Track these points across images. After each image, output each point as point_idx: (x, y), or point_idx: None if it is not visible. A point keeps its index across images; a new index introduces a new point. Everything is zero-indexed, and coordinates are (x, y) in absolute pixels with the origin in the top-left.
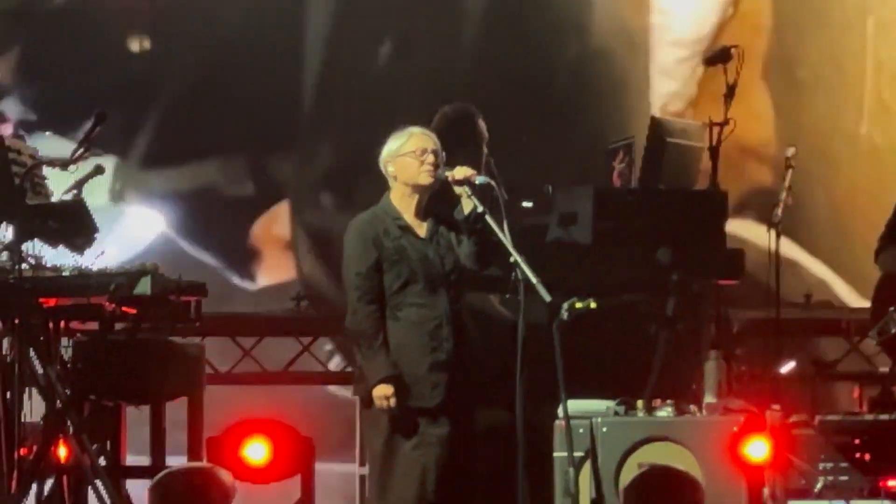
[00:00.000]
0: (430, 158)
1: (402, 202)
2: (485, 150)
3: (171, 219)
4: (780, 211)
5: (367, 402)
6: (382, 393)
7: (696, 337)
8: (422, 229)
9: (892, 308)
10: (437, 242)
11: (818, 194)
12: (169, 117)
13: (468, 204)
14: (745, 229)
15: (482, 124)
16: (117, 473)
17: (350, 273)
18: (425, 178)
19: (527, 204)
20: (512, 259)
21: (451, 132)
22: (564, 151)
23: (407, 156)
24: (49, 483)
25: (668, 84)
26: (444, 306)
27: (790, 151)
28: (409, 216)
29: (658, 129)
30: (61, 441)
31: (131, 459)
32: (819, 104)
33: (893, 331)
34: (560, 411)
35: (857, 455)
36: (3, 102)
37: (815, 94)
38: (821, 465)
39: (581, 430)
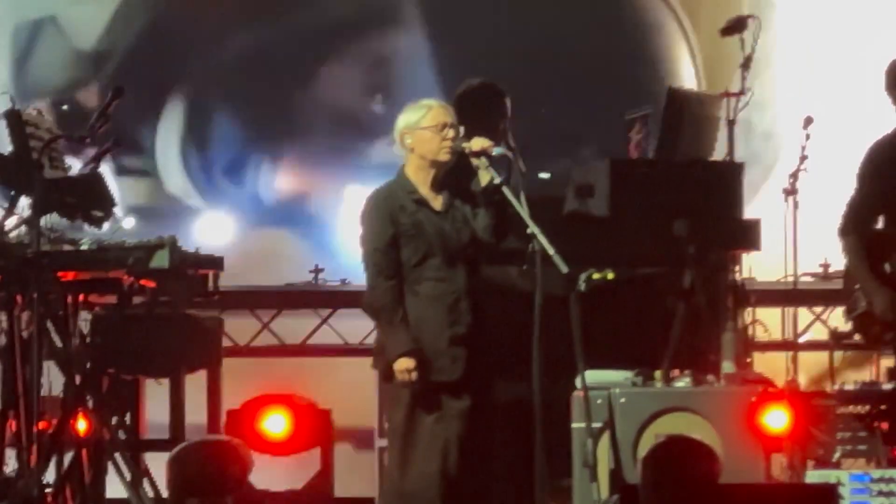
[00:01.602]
0: (450, 133)
1: (418, 175)
2: (504, 125)
3: None
4: (796, 179)
5: (388, 376)
6: (404, 366)
7: (714, 308)
8: (437, 202)
9: (856, 286)
10: (452, 216)
11: None
12: None
13: (485, 175)
14: None
15: (507, 102)
16: (136, 447)
17: (368, 249)
18: (444, 155)
19: (544, 175)
20: (529, 230)
21: (475, 105)
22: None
23: (427, 130)
24: (68, 456)
25: None
26: (463, 280)
27: (807, 119)
28: (424, 189)
29: (675, 99)
30: (81, 415)
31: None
32: None
33: (860, 309)
34: (578, 382)
35: (875, 424)
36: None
37: None
38: (839, 435)
39: (599, 401)
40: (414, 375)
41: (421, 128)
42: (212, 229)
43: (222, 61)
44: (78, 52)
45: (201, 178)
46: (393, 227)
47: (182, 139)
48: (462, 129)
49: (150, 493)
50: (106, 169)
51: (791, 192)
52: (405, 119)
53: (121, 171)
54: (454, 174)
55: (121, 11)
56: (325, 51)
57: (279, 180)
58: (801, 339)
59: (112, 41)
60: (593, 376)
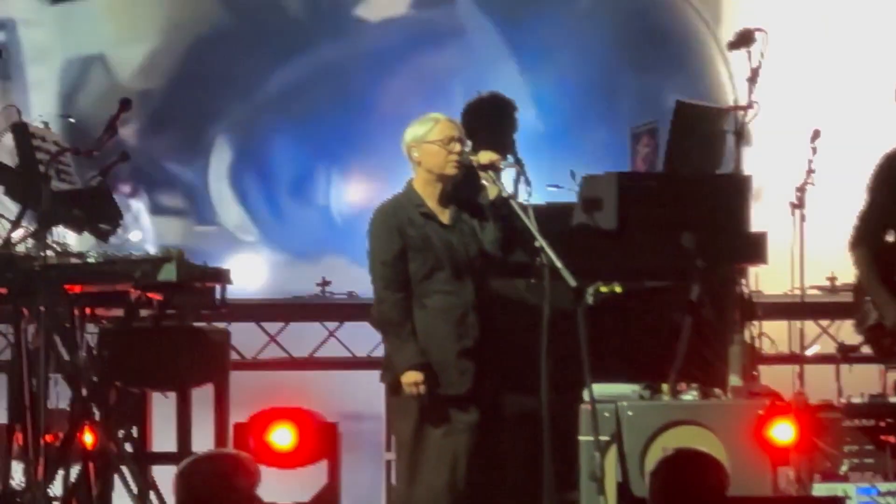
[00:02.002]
0: (457, 147)
1: (426, 189)
2: (513, 138)
3: None
4: (804, 192)
5: (396, 389)
6: (413, 380)
7: (721, 321)
8: (444, 216)
9: (866, 297)
10: (460, 229)
11: None
12: None
13: (493, 189)
14: None
15: (517, 115)
16: (143, 460)
17: (375, 262)
18: (451, 169)
19: (551, 189)
20: (537, 244)
21: (485, 117)
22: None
23: (434, 144)
24: (75, 470)
25: None
26: (470, 293)
27: (814, 133)
28: (432, 203)
29: (682, 112)
30: (88, 428)
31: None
32: None
33: (871, 321)
34: (586, 396)
35: (882, 437)
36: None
37: None
38: (846, 448)
39: (607, 415)
40: (422, 389)
41: (427, 141)
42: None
43: (267, 92)
44: (122, 90)
45: (263, 204)
46: (401, 240)
47: (231, 172)
48: (469, 143)
49: None
50: (141, 207)
51: (798, 205)
52: (412, 132)
53: (156, 209)
54: (462, 187)
55: (158, 52)
56: (378, 71)
57: (350, 192)
58: (808, 353)
59: (150, 80)
60: (601, 389)
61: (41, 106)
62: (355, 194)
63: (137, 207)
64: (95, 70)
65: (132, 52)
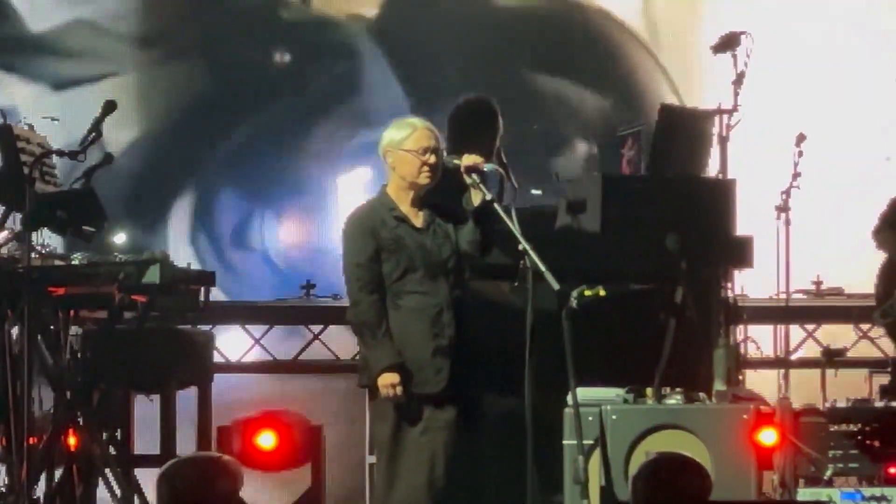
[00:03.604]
0: (431, 159)
1: (399, 194)
2: (497, 142)
3: None
4: (789, 196)
5: (372, 393)
6: (388, 381)
7: (706, 325)
8: (418, 219)
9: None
10: (433, 232)
11: None
12: None
13: (476, 192)
14: None
15: (500, 119)
16: (127, 462)
17: (350, 265)
18: (424, 178)
19: (536, 191)
20: (521, 247)
21: (470, 120)
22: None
23: (409, 153)
24: (59, 472)
25: None
26: (445, 293)
27: (800, 137)
28: (405, 207)
29: (667, 116)
30: (71, 430)
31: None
32: None
33: None
34: (569, 399)
35: (867, 442)
36: None
37: None
38: (830, 453)
39: (590, 418)
40: (398, 390)
41: (403, 149)
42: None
43: (227, 147)
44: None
45: (211, 254)
46: (374, 242)
47: (191, 223)
48: (446, 150)
49: None
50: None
51: (783, 209)
52: (389, 136)
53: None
54: (440, 190)
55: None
56: (314, 116)
57: (283, 233)
58: (793, 357)
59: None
60: (585, 393)
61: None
62: (288, 235)
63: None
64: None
65: (127, 135)
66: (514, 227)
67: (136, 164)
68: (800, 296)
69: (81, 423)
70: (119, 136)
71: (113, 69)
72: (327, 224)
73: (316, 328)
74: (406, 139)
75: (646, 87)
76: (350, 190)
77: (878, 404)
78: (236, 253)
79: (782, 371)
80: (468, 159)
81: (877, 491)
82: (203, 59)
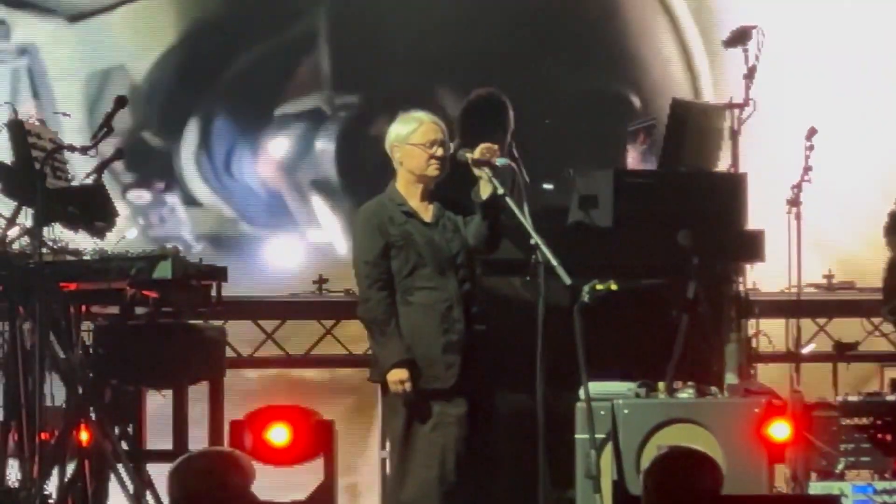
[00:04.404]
0: (439, 151)
1: (408, 189)
2: (508, 138)
3: None
4: (800, 190)
5: (384, 388)
6: (397, 377)
7: (717, 319)
8: (427, 214)
9: None
10: (442, 226)
11: None
12: None
13: (487, 186)
14: None
15: (511, 114)
16: (139, 458)
17: (359, 262)
18: (432, 171)
19: (547, 186)
20: (532, 241)
21: (481, 115)
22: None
23: (416, 146)
24: (71, 468)
25: None
26: (454, 288)
27: (811, 131)
28: (414, 202)
29: (679, 110)
30: (83, 426)
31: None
32: None
33: None
34: (581, 393)
35: (879, 436)
36: None
37: None
38: (842, 446)
39: (602, 413)
40: (407, 386)
41: (409, 143)
42: (280, 252)
43: (225, 79)
44: (141, 94)
45: (213, 179)
46: (382, 238)
47: (196, 151)
48: (456, 146)
49: None
50: (176, 200)
51: (795, 203)
52: (396, 131)
53: (188, 201)
54: (452, 184)
55: (165, 53)
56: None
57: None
58: (805, 351)
59: (157, 79)
60: (596, 387)
61: (68, 120)
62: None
63: (172, 202)
64: (115, 79)
65: (150, 59)
66: (526, 222)
67: (157, 85)
68: (811, 290)
69: (93, 418)
70: (146, 60)
71: None
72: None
73: (328, 323)
74: (412, 133)
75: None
76: None
77: (890, 398)
78: (229, 180)
79: (794, 365)
80: (480, 151)
81: (889, 484)
82: None
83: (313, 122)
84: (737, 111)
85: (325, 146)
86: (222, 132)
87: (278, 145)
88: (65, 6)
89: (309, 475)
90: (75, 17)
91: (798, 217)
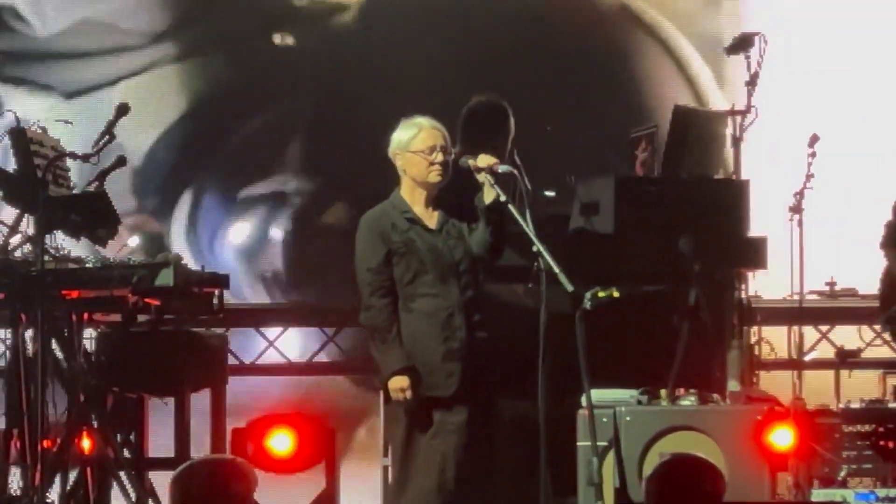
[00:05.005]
0: (440, 157)
1: (412, 195)
2: (510, 144)
3: None
4: (802, 197)
5: (386, 396)
6: (398, 385)
7: (719, 326)
8: (432, 220)
9: None
10: (446, 232)
11: None
12: None
13: (490, 193)
14: None
15: (512, 120)
16: (141, 465)
17: (362, 269)
18: (434, 177)
19: (549, 193)
20: (534, 248)
21: (481, 121)
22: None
23: (416, 154)
24: (73, 475)
25: None
26: (456, 296)
27: (813, 137)
28: (418, 208)
29: (681, 117)
30: (85, 433)
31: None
32: None
33: None
34: (583, 400)
35: (881, 443)
36: None
37: None
38: (844, 453)
39: (604, 420)
40: (408, 394)
41: (410, 151)
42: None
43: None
44: (131, 171)
45: (198, 253)
46: (385, 246)
47: (186, 228)
48: (458, 152)
49: None
50: None
51: (797, 210)
52: (396, 139)
53: None
54: (456, 190)
55: (161, 137)
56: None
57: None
58: (807, 358)
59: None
60: (598, 394)
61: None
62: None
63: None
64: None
65: (148, 137)
66: (528, 229)
67: (160, 159)
68: (813, 297)
69: (95, 426)
70: (138, 140)
71: (124, 70)
72: None
73: (330, 330)
74: (412, 140)
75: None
76: None
77: (893, 405)
78: (210, 255)
79: (796, 372)
80: (483, 160)
81: (891, 492)
82: (219, 54)
83: (273, 206)
84: (739, 118)
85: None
86: (210, 210)
87: (239, 231)
88: (62, 81)
89: (311, 483)
90: (72, 93)
91: (800, 224)
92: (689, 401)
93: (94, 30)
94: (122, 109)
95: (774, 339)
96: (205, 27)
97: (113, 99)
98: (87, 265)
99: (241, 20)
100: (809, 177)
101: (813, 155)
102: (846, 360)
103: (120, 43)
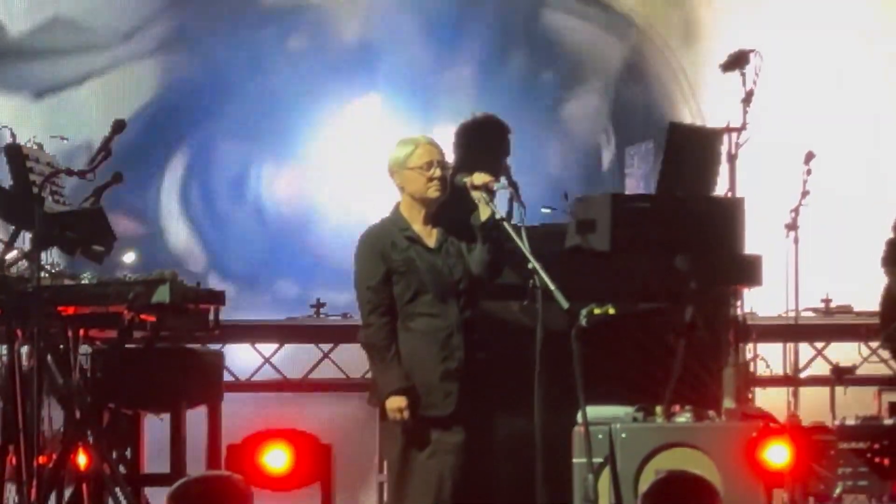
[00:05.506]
0: (437, 172)
1: (411, 212)
2: (506, 160)
3: None
4: (798, 214)
5: (382, 413)
6: (395, 405)
7: (715, 343)
8: (431, 239)
9: None
10: (446, 251)
11: None
12: None
13: (486, 210)
14: None
15: (509, 136)
16: (136, 481)
17: (361, 287)
18: (433, 193)
19: (545, 210)
20: (530, 266)
21: (478, 139)
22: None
23: (413, 170)
24: (69, 491)
25: None
26: (455, 315)
27: (808, 155)
28: (418, 226)
29: (676, 134)
30: (81, 449)
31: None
32: None
33: None
34: (579, 418)
35: (876, 460)
36: None
37: None
38: (839, 470)
39: (600, 437)
40: (406, 414)
41: (407, 168)
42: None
43: (224, 111)
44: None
45: (202, 208)
46: (384, 264)
47: (182, 186)
48: (454, 168)
49: None
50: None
51: (792, 227)
52: (393, 157)
53: None
54: (453, 208)
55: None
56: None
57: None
58: (803, 375)
59: None
60: (594, 411)
61: None
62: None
63: None
64: (81, 157)
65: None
66: (524, 246)
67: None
68: (809, 314)
69: (91, 442)
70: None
71: (94, 67)
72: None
73: (326, 347)
74: (409, 157)
75: None
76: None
77: (888, 422)
78: (229, 204)
79: (791, 389)
80: (479, 178)
81: None
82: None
83: None
84: (734, 135)
85: None
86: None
87: None
88: (31, 80)
89: (306, 500)
90: (41, 92)
91: (796, 241)
92: (684, 418)
93: (63, 28)
94: (118, 126)
95: (770, 356)
96: (173, 24)
97: (81, 98)
98: (83, 281)
99: (209, 17)
100: (805, 194)
101: (808, 172)
102: (841, 376)
103: (90, 41)
